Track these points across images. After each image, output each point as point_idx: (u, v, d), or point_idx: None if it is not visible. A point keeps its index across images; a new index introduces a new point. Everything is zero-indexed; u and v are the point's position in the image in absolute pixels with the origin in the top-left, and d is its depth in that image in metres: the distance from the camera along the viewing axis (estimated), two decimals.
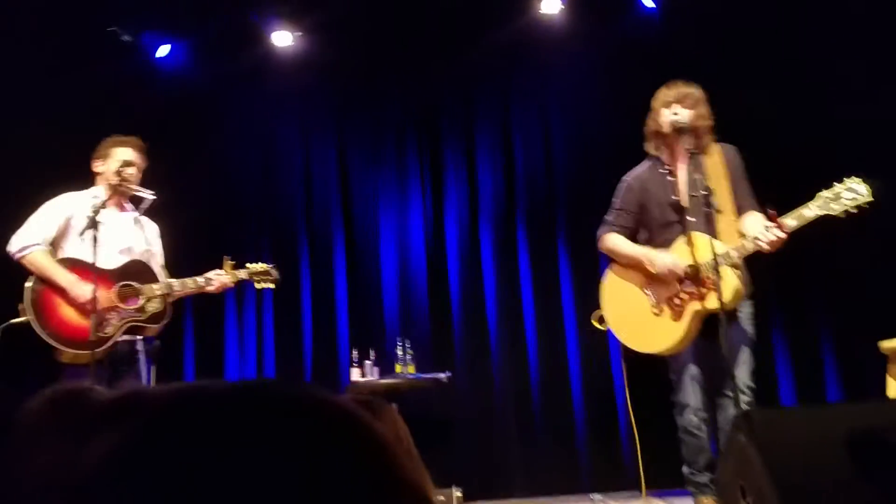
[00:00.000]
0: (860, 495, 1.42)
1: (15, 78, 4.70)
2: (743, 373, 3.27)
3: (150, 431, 0.49)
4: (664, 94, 3.47)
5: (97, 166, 3.76)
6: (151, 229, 3.91)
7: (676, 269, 3.34)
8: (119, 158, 3.71)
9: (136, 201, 3.77)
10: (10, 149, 4.49)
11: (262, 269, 3.97)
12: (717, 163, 3.36)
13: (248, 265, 3.95)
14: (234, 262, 3.85)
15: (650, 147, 3.57)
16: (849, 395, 4.81)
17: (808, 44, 4.88)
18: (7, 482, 0.48)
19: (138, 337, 3.67)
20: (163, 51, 5.70)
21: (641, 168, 3.60)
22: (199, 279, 3.75)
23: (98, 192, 3.73)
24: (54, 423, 0.51)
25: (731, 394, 3.14)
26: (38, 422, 0.51)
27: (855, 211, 3.04)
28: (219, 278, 3.78)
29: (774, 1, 4.94)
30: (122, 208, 3.78)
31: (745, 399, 3.21)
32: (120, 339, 3.54)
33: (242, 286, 5.60)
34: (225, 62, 5.66)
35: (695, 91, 3.45)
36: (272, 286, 4.04)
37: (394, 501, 0.50)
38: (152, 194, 3.72)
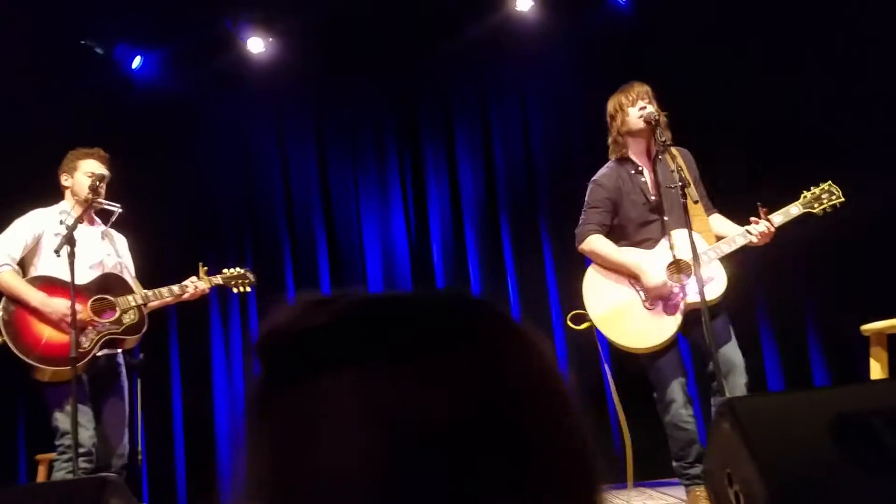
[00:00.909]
0: (845, 478, 1.43)
1: None
2: (740, 356, 3.32)
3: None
4: (625, 94, 3.52)
5: (64, 180, 3.72)
6: (121, 242, 3.88)
7: (667, 288, 3.37)
8: (86, 171, 3.67)
9: (104, 214, 3.75)
10: None
11: (238, 274, 3.98)
12: (680, 162, 3.39)
13: (223, 271, 3.96)
14: (206, 268, 3.85)
15: (615, 153, 3.59)
16: (835, 380, 4.84)
17: (783, 40, 4.91)
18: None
19: (118, 350, 3.65)
20: (137, 62, 5.67)
21: (607, 169, 3.61)
22: (175, 288, 3.74)
23: (65, 206, 3.70)
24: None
25: (718, 385, 3.16)
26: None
27: (831, 210, 3.49)
28: (194, 285, 3.77)
29: None
30: (90, 222, 3.74)
31: (743, 383, 3.27)
32: (100, 353, 3.51)
33: (226, 296, 5.60)
34: (200, 70, 5.63)
35: (647, 87, 3.53)
36: (249, 289, 4.04)
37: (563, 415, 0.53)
38: (119, 207, 3.70)
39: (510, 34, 5.59)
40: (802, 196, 3.49)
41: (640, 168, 3.52)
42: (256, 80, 5.72)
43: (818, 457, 1.49)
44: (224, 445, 5.44)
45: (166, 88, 5.69)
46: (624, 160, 3.56)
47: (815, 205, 3.48)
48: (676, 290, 3.39)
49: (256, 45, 5.61)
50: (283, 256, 5.72)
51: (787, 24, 4.84)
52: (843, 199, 3.50)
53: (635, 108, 3.47)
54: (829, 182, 3.52)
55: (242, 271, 4.00)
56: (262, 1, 5.54)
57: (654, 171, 3.49)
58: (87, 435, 3.35)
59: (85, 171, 3.68)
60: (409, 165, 5.84)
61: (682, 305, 3.37)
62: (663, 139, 3.35)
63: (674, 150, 3.43)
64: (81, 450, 3.26)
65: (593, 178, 3.65)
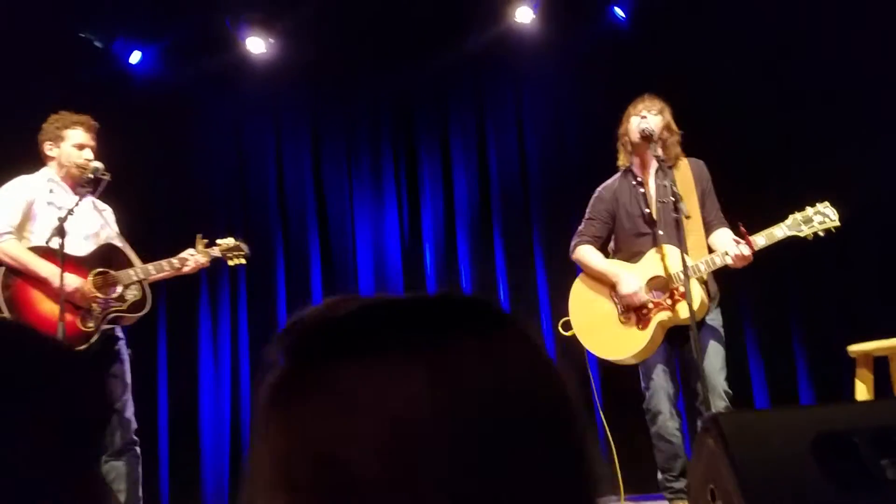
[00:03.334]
0: (826, 497, 1.43)
1: None
2: (720, 379, 3.31)
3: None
4: (634, 104, 3.53)
5: (48, 149, 3.58)
6: (108, 212, 3.76)
7: (638, 297, 3.38)
8: (74, 142, 3.54)
9: (92, 182, 3.58)
10: None
11: (233, 245, 3.90)
12: (686, 176, 3.40)
13: (218, 241, 3.87)
14: (206, 241, 3.77)
15: (622, 159, 3.61)
16: (820, 399, 4.86)
17: (781, 54, 4.93)
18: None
19: (116, 326, 3.53)
20: (135, 57, 5.66)
21: (611, 180, 3.65)
22: (174, 260, 3.64)
23: (51, 174, 3.56)
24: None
25: (703, 402, 3.17)
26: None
27: (822, 234, 3.23)
28: (193, 258, 3.69)
29: (745, 10, 4.99)
30: (78, 192, 3.56)
31: (722, 405, 3.25)
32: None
33: (216, 292, 5.59)
34: (198, 67, 5.62)
35: (661, 102, 3.51)
36: (244, 262, 3.97)
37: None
38: (108, 176, 3.54)
39: (508, 44, 5.60)
40: (791, 217, 3.28)
41: (641, 180, 3.53)
42: (253, 80, 5.72)
43: (800, 474, 1.49)
44: (209, 442, 5.42)
45: (164, 84, 5.68)
46: (628, 171, 3.58)
47: (805, 227, 3.25)
48: (650, 305, 3.40)
49: (255, 44, 5.61)
50: (275, 256, 5.71)
51: (788, 40, 4.86)
52: (837, 224, 3.25)
53: (636, 119, 3.48)
54: (826, 202, 3.28)
55: (236, 243, 3.91)
56: (261, 1, 5.54)
57: (655, 184, 3.50)
58: None
59: (73, 143, 3.55)
60: (404, 170, 5.85)
61: (654, 321, 3.38)
62: (656, 154, 3.36)
63: (684, 161, 3.44)
64: None
65: (598, 188, 3.69)
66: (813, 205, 3.29)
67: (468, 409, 0.49)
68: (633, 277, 3.43)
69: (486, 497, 0.48)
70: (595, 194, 3.68)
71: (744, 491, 1.41)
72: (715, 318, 3.42)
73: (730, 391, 3.33)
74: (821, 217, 3.26)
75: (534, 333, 0.57)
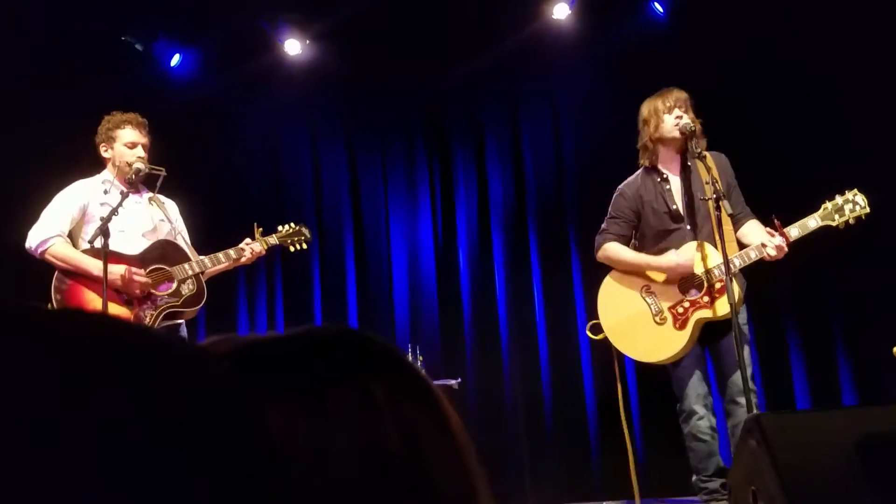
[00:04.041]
0: (871, 498, 1.41)
1: (28, 87, 4.74)
2: (746, 375, 3.27)
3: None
4: (663, 100, 3.47)
5: (103, 151, 3.62)
6: (171, 206, 3.75)
7: (684, 266, 3.32)
8: (125, 141, 3.57)
9: (150, 179, 3.61)
10: (25, 160, 4.51)
11: (293, 230, 3.86)
12: (714, 173, 3.36)
13: (278, 228, 3.84)
14: (261, 230, 3.75)
15: (644, 160, 3.56)
16: (863, 399, 4.77)
17: (818, 49, 4.85)
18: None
19: (180, 322, 3.51)
20: (175, 59, 5.74)
21: (632, 178, 3.60)
22: (231, 252, 3.60)
23: (108, 176, 3.60)
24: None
25: (741, 399, 3.13)
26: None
27: (853, 222, 3.21)
28: (249, 247, 3.65)
29: (783, 7, 4.91)
30: (136, 190, 3.59)
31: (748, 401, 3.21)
32: (160, 327, 3.39)
33: (254, 293, 5.64)
34: (236, 70, 5.68)
35: (686, 95, 3.47)
36: (305, 247, 3.92)
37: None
38: (163, 171, 3.55)
39: (544, 42, 5.57)
40: (823, 207, 3.27)
41: (665, 176, 3.49)
42: (289, 83, 5.76)
43: (844, 476, 1.47)
44: None
45: (202, 86, 5.75)
46: (651, 168, 3.54)
47: (836, 217, 3.23)
48: (686, 304, 3.35)
49: (292, 46, 5.65)
50: (311, 262, 5.74)
51: (826, 38, 4.78)
52: (867, 210, 3.24)
53: (671, 116, 3.43)
54: (855, 190, 3.26)
55: (298, 227, 3.87)
56: (297, 4, 5.58)
57: (685, 180, 3.46)
58: None
59: (124, 142, 3.58)
60: (438, 171, 5.85)
61: (692, 320, 3.34)
62: (698, 151, 3.31)
63: (708, 156, 3.39)
64: None
65: (619, 186, 3.64)
66: (843, 193, 3.27)
67: (341, 460, 0.45)
68: (679, 252, 3.35)
69: None
70: (616, 192, 3.64)
71: (787, 492, 1.39)
72: (741, 315, 3.38)
73: (753, 388, 3.29)
74: (851, 205, 3.24)
75: (418, 370, 0.53)
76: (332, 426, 0.46)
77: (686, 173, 3.46)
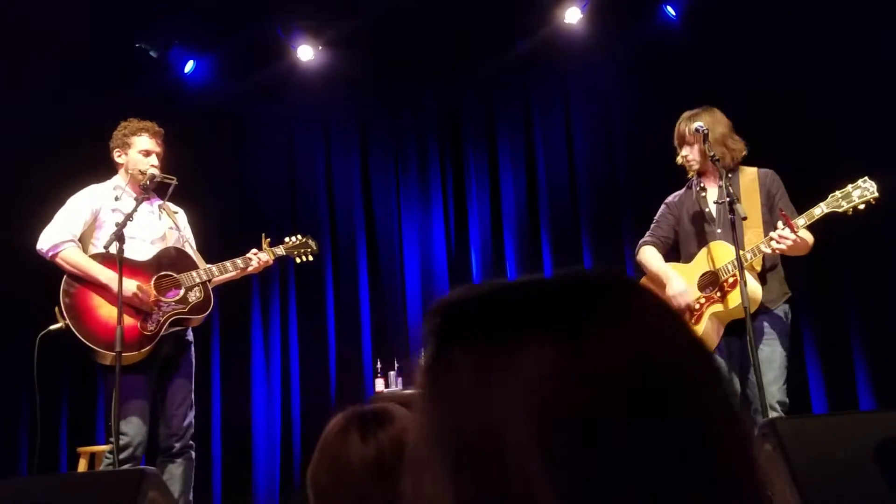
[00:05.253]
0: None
1: (44, 94, 4.78)
2: (774, 388, 3.25)
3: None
4: (677, 130, 3.57)
5: (117, 156, 3.63)
6: (181, 215, 3.77)
7: (684, 299, 3.41)
8: (140, 148, 3.59)
9: (161, 187, 3.62)
10: (41, 163, 4.54)
11: (299, 242, 3.90)
12: (751, 182, 3.41)
13: (285, 240, 3.88)
14: (269, 240, 3.78)
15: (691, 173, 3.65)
16: (881, 404, 4.72)
17: (833, 51, 4.82)
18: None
19: (184, 327, 3.53)
20: (189, 66, 5.77)
21: (682, 189, 3.74)
22: (238, 261, 3.63)
23: (119, 181, 3.62)
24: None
25: (758, 407, 3.11)
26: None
27: (861, 207, 3.22)
28: (257, 256, 3.68)
29: (796, 8, 4.88)
30: (147, 197, 3.57)
31: (774, 416, 3.18)
32: (167, 332, 3.42)
33: (268, 298, 5.66)
34: (250, 76, 5.70)
35: (685, 127, 3.49)
36: (311, 258, 3.96)
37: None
38: (174, 180, 3.58)
39: (557, 46, 5.56)
40: (831, 196, 3.27)
41: (703, 185, 3.59)
42: (303, 88, 5.79)
43: (862, 481, 1.45)
44: (261, 446, 5.48)
45: (216, 92, 5.78)
46: (696, 180, 3.62)
47: (844, 203, 3.23)
48: (702, 300, 3.42)
49: (305, 52, 5.68)
50: (324, 261, 5.76)
51: (841, 40, 4.75)
52: (876, 195, 3.21)
53: (681, 154, 3.56)
54: (865, 177, 3.25)
55: (304, 239, 3.91)
56: (310, 10, 5.60)
57: (721, 189, 3.52)
58: (133, 431, 3.27)
59: (139, 149, 3.59)
60: (451, 175, 5.85)
61: (706, 314, 3.38)
62: (727, 173, 3.35)
63: (752, 169, 3.45)
64: (124, 440, 3.21)
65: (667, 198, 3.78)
66: (853, 180, 3.27)
67: (608, 379, 0.49)
68: (680, 280, 3.46)
69: (636, 464, 0.48)
70: (664, 202, 3.78)
71: (804, 498, 1.37)
72: (777, 314, 3.39)
73: (786, 401, 3.29)
74: (860, 191, 3.23)
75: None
76: (590, 350, 0.50)
77: (719, 182, 3.52)
